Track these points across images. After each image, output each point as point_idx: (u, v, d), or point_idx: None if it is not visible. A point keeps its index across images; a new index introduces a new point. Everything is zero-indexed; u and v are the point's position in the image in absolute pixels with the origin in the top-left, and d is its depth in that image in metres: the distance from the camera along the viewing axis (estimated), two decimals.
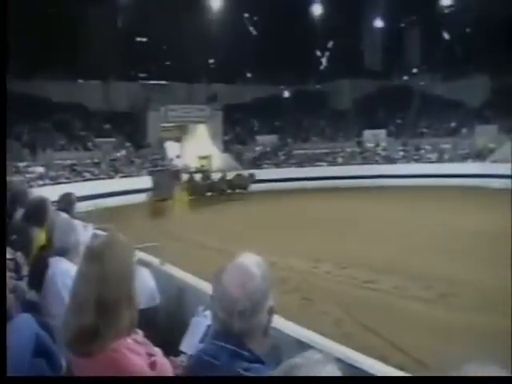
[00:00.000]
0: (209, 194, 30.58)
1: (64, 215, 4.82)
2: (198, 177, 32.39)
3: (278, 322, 3.12)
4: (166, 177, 29.82)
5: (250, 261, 1.93)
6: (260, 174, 33.82)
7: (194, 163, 37.16)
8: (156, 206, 26.16)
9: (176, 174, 31.63)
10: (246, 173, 32.88)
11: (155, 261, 5.07)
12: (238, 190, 31.52)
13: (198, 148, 38.20)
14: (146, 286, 4.21)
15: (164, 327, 4.06)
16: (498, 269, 11.57)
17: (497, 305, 9.14)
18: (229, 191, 31.11)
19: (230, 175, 32.16)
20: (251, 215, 22.98)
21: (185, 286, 4.48)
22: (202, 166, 37.17)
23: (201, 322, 3.23)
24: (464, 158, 36.48)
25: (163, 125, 37.66)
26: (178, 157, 37.50)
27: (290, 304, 9.09)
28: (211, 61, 44.88)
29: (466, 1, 42.21)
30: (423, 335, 7.92)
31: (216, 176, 32.37)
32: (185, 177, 32.34)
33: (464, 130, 39.76)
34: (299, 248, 14.47)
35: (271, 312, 1.91)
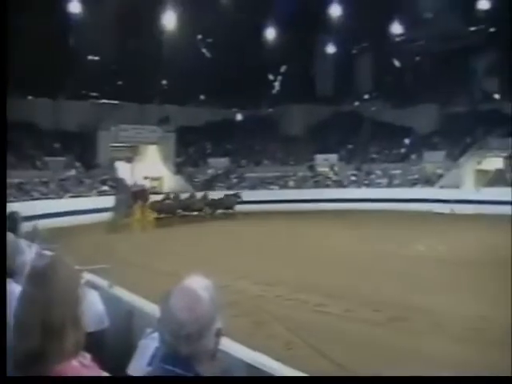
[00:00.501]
0: (179, 213, 31.39)
1: (10, 235, 4.69)
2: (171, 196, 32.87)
3: (228, 345, 3.10)
4: (129, 196, 29.68)
5: (198, 284, 1.91)
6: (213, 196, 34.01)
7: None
8: (114, 226, 26.04)
9: (141, 193, 31.40)
10: (231, 193, 33.90)
11: (104, 283, 4.97)
12: (220, 211, 32.47)
13: (149, 169, 37.87)
14: (93, 308, 4.11)
15: (112, 350, 3.97)
16: (446, 293, 11.83)
17: (445, 328, 9.30)
18: (209, 211, 31.79)
19: (217, 195, 33.03)
20: (207, 237, 22.92)
21: (133, 308, 4.41)
22: (154, 187, 36.89)
23: (148, 345, 3.16)
24: (413, 184, 37.32)
25: (114, 145, 37.24)
26: (145, 178, 37.09)
27: (241, 327, 9.02)
28: (164, 82, 44.76)
29: (416, 30, 43.39)
30: (372, 358, 7.97)
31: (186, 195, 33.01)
32: (158, 196, 32.51)
33: (413, 156, 40.71)
34: (251, 271, 14.45)
35: (219, 335, 1.88)
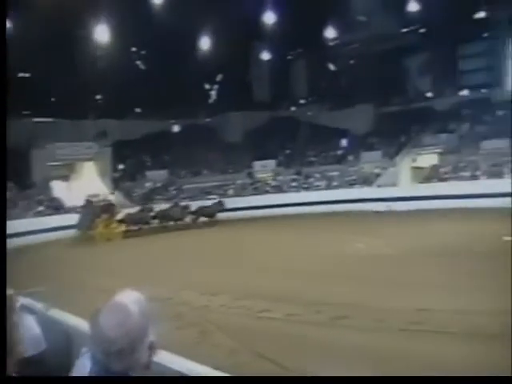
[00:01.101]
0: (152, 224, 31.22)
1: None
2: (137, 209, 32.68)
3: (167, 358, 3.13)
4: (92, 211, 29.46)
5: (128, 298, 1.91)
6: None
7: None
8: (77, 240, 26.61)
9: (107, 207, 30.99)
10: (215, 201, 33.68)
11: (40, 306, 4.91)
12: (201, 219, 32.18)
13: (86, 186, 37.07)
14: (30, 333, 4.06)
15: (51, 372, 3.94)
16: (386, 288, 12.11)
17: (387, 323, 9.51)
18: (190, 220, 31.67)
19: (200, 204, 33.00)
20: (149, 250, 22.73)
21: (70, 328, 4.38)
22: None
23: (84, 364, 3.16)
24: (351, 184, 37.97)
25: (49, 163, 36.37)
26: (112, 193, 36.43)
27: (185, 339, 9.04)
28: (99, 96, 44.15)
29: (349, 34, 44.26)
30: (317, 358, 8.08)
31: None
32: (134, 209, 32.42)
33: (350, 157, 41.41)
34: (194, 282, 14.41)
35: (152, 348, 1.89)
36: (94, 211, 29.66)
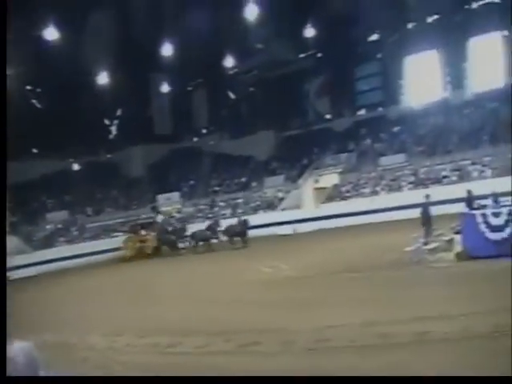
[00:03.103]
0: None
1: None
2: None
3: None
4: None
5: (14, 351, 1.92)
6: (51, 253, 32.41)
7: None
8: None
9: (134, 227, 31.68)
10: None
11: None
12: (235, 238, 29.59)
13: None
14: None
15: None
16: (295, 309, 12.07)
17: (296, 346, 9.41)
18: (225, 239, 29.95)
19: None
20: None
21: None
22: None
23: None
24: (256, 210, 38.15)
25: None
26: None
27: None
28: None
29: (248, 61, 44.91)
30: None
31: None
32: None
33: (254, 183, 41.69)
34: (96, 324, 13.81)
35: None
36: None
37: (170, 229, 33.05)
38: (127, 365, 10.04)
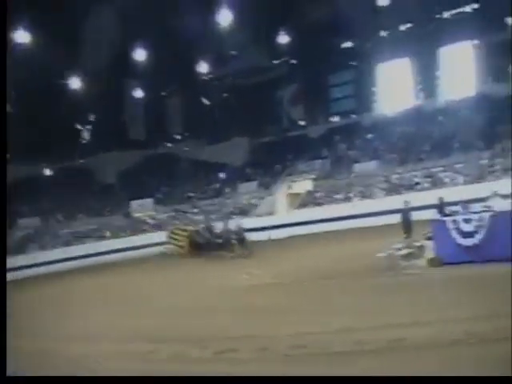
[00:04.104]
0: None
1: None
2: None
3: None
4: None
5: None
6: (22, 259, 31.86)
7: None
8: None
9: None
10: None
11: None
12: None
13: None
14: None
15: None
16: (270, 316, 12.10)
17: (272, 352, 9.43)
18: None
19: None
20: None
21: None
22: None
23: None
24: (229, 217, 37.94)
25: None
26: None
27: None
28: None
29: (222, 68, 44.93)
30: None
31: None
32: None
33: (228, 190, 41.66)
34: (70, 331, 13.65)
35: None
36: None
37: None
38: (102, 373, 9.96)
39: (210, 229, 28.93)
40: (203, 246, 27.10)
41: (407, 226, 17.35)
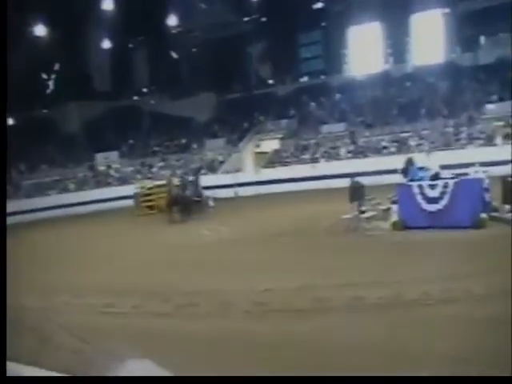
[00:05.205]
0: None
1: None
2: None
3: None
4: None
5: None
6: None
7: None
8: None
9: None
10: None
11: None
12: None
13: None
14: None
15: None
16: (232, 272, 12.17)
17: (232, 308, 9.50)
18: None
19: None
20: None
21: None
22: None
23: None
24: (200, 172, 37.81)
25: None
26: None
27: (26, 346, 8.39)
28: None
29: (191, 22, 44.10)
30: (163, 349, 7.87)
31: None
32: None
33: (194, 146, 41.36)
34: (31, 285, 13.50)
35: None
36: None
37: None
38: (61, 326, 9.91)
39: (190, 185, 26.74)
40: (181, 203, 24.52)
41: (352, 193, 16.37)
